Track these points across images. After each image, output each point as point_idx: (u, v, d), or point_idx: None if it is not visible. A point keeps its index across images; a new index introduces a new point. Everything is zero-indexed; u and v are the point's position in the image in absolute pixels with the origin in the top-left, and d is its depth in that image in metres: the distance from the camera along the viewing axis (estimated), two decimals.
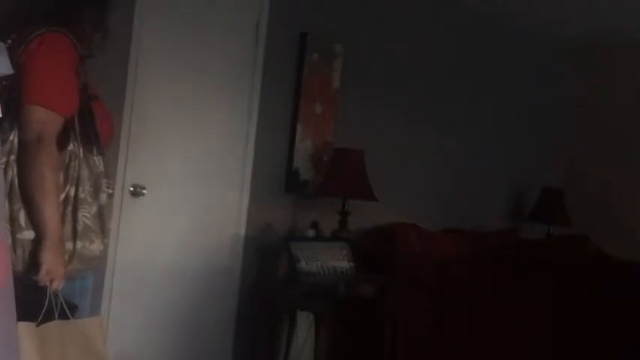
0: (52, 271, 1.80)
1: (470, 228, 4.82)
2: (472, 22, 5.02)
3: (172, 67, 3.38)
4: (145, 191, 3.28)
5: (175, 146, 3.44)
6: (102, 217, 1.93)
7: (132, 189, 3.24)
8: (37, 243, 1.79)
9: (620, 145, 5.56)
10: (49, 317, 1.79)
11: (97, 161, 1.91)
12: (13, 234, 1.78)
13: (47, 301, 1.79)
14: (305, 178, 4.02)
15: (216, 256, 3.65)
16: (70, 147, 1.86)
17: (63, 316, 1.82)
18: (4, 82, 1.80)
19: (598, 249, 4.96)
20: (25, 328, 1.70)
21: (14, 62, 1.78)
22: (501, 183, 5.48)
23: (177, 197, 3.46)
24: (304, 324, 3.61)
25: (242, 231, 3.74)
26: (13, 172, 1.79)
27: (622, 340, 3.35)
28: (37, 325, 1.75)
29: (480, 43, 5.13)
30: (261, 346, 3.80)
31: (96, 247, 1.91)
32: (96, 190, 1.91)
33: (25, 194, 1.79)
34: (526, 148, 5.62)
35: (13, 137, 1.80)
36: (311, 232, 3.91)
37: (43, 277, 1.79)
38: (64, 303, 1.82)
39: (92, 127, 1.92)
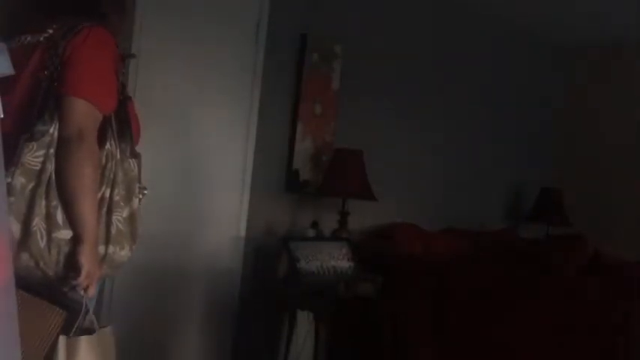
0: (90, 275, 1.72)
1: (469, 228, 4.82)
2: (473, 23, 5.02)
3: (172, 67, 3.38)
4: (145, 192, 3.28)
5: (175, 146, 3.45)
6: (133, 223, 1.88)
7: None
8: (74, 243, 1.71)
9: (620, 145, 5.57)
10: (89, 327, 1.72)
11: (132, 164, 1.88)
12: (49, 232, 1.69)
13: (84, 308, 1.71)
14: (305, 178, 4.02)
15: (216, 256, 3.66)
16: (107, 147, 1.81)
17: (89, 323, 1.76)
18: (45, 72, 1.74)
19: (597, 249, 4.97)
20: (86, 341, 1.66)
21: (58, 53, 1.76)
22: (501, 183, 5.48)
23: (177, 197, 3.47)
24: (304, 323, 3.62)
25: (242, 231, 3.74)
26: (51, 166, 1.70)
27: (622, 340, 3.36)
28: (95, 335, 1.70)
29: (480, 44, 5.13)
30: (261, 346, 3.81)
31: (125, 253, 1.86)
32: (128, 194, 1.86)
33: (64, 191, 1.70)
34: (526, 148, 5.63)
35: (54, 130, 1.72)
36: (311, 232, 3.91)
37: (83, 281, 1.71)
38: (90, 309, 1.75)
39: (128, 128, 1.87)
